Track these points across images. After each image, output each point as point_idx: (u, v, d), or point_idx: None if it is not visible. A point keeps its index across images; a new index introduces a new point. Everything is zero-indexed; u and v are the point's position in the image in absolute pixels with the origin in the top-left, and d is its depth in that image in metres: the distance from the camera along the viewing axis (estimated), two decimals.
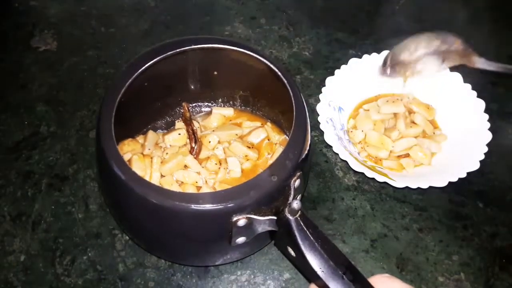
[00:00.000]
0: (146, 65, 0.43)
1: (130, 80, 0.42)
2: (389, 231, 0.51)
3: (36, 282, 0.46)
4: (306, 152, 0.41)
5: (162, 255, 0.47)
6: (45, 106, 0.59)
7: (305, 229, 0.36)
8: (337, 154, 0.52)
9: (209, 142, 0.51)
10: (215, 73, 0.51)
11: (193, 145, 0.50)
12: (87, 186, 0.53)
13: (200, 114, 0.56)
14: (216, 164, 0.49)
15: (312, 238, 0.36)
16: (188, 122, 0.51)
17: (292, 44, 0.68)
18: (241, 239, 0.39)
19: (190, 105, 0.55)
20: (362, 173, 0.50)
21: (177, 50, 0.44)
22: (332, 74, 0.58)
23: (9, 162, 0.54)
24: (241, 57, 0.45)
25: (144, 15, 0.70)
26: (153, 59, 0.43)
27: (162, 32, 0.68)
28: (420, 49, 0.56)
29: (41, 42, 0.65)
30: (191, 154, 0.49)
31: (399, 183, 0.49)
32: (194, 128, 0.51)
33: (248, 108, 0.56)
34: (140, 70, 0.42)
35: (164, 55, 0.43)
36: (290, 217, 0.36)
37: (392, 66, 0.57)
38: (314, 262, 0.35)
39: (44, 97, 0.60)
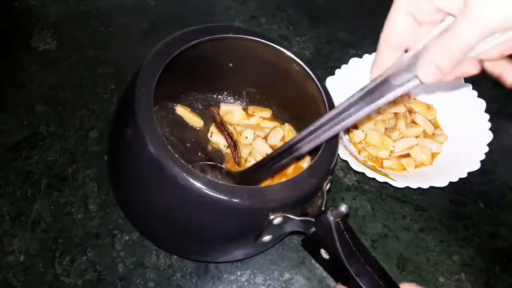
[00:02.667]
0: (184, 47, 0.41)
1: (167, 60, 0.40)
2: (389, 231, 0.51)
3: (36, 282, 0.46)
4: (337, 156, 0.41)
5: (175, 250, 0.47)
6: (44, 106, 0.59)
7: (345, 233, 0.36)
8: (337, 154, 0.51)
9: (246, 137, 0.51)
10: (231, 65, 0.50)
11: (234, 150, 0.50)
12: (87, 186, 0.52)
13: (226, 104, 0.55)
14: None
15: (350, 242, 0.36)
16: (222, 127, 0.51)
17: (292, 43, 0.68)
18: (267, 237, 0.39)
19: (197, 94, 0.54)
20: (363, 173, 0.50)
21: (215, 36, 0.43)
22: (333, 73, 0.58)
23: (9, 162, 0.54)
24: (269, 53, 0.45)
25: (144, 15, 0.70)
26: (189, 43, 0.41)
27: (162, 32, 0.68)
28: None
29: (40, 42, 0.65)
30: (235, 162, 0.50)
31: (399, 183, 0.49)
32: (229, 131, 0.51)
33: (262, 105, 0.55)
34: (178, 51, 0.41)
35: (199, 40, 0.42)
36: (332, 219, 0.36)
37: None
38: (352, 265, 0.35)
39: (44, 97, 0.59)
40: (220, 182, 0.36)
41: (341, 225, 0.37)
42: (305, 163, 0.49)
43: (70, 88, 0.61)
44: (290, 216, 0.37)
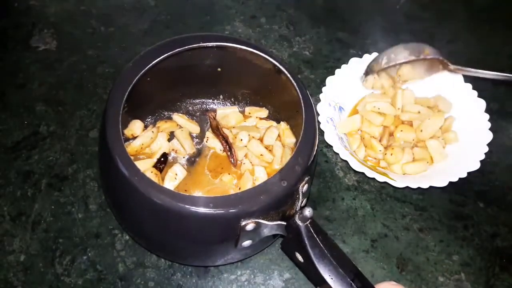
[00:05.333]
0: (153, 62, 0.42)
1: (138, 77, 0.41)
2: (389, 231, 0.51)
3: (36, 282, 0.46)
4: (313, 157, 0.41)
5: (163, 255, 0.47)
6: (44, 106, 0.59)
7: (315, 236, 0.36)
8: (337, 154, 0.51)
9: (241, 140, 0.51)
10: (219, 69, 0.50)
11: (229, 154, 0.50)
12: (87, 186, 0.52)
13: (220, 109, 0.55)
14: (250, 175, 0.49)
15: (321, 245, 0.36)
16: (217, 132, 0.51)
17: (292, 43, 0.68)
18: (247, 242, 0.39)
19: (193, 100, 0.55)
20: (363, 173, 0.50)
21: (186, 47, 0.44)
22: (333, 73, 0.58)
23: (9, 161, 0.54)
24: (250, 57, 0.45)
25: (144, 15, 0.70)
26: (160, 56, 0.43)
27: (162, 31, 0.68)
28: (391, 61, 0.56)
29: (40, 42, 0.65)
30: (232, 164, 0.50)
31: (399, 183, 0.49)
32: (225, 135, 0.51)
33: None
34: (147, 67, 0.42)
35: (172, 52, 0.43)
36: (300, 224, 0.36)
37: (366, 79, 0.58)
38: (323, 269, 0.35)
39: (44, 96, 0.59)
40: (183, 194, 0.37)
41: (311, 228, 0.36)
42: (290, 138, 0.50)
43: (70, 88, 0.61)
44: (262, 221, 0.37)
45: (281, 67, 0.44)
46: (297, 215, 0.37)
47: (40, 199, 0.51)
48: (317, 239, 0.36)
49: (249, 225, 0.36)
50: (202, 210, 0.35)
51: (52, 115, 0.58)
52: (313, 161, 0.41)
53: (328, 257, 0.35)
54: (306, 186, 0.39)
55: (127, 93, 0.40)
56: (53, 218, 0.50)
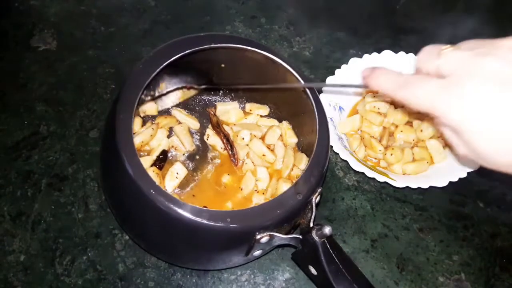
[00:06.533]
0: (167, 62, 0.42)
1: (150, 78, 0.41)
2: (389, 231, 0.51)
3: (36, 282, 0.46)
4: (326, 168, 0.41)
5: (166, 258, 0.47)
6: (44, 106, 0.59)
7: (331, 251, 0.36)
8: (337, 154, 0.51)
9: (243, 139, 0.50)
10: (223, 65, 0.50)
11: (231, 153, 0.50)
12: (87, 186, 0.52)
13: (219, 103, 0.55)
14: (252, 176, 0.49)
15: (337, 260, 0.36)
16: (218, 129, 0.51)
17: (292, 43, 0.68)
18: (258, 252, 0.40)
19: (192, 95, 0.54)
20: (363, 173, 0.50)
21: (197, 48, 0.43)
22: (333, 73, 0.58)
23: (9, 161, 0.54)
24: (255, 56, 0.45)
25: (144, 15, 0.70)
26: (172, 57, 0.42)
27: (162, 31, 0.68)
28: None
29: (40, 42, 0.65)
30: (233, 162, 0.50)
31: (399, 183, 0.49)
32: (226, 133, 0.50)
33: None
34: (160, 67, 0.41)
35: (183, 53, 0.42)
36: (318, 240, 0.37)
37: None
38: (338, 284, 0.36)
39: (44, 96, 0.59)
40: (201, 207, 0.36)
41: (327, 244, 0.37)
42: (302, 164, 0.49)
43: (71, 88, 0.61)
44: (277, 234, 0.37)
45: (287, 66, 0.44)
46: (314, 231, 0.37)
47: (40, 199, 0.51)
48: (333, 254, 0.36)
49: (264, 238, 0.37)
50: (219, 224, 0.35)
51: (52, 115, 0.58)
52: (326, 172, 0.41)
53: (344, 272, 0.36)
54: (318, 198, 0.40)
55: (139, 94, 0.39)
56: (53, 218, 0.50)
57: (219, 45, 0.43)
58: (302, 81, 0.44)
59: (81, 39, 0.66)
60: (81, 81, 0.62)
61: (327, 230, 0.36)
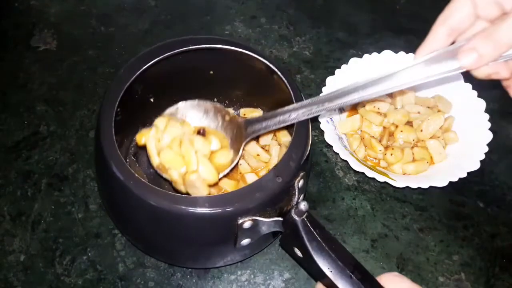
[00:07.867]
0: (145, 66, 0.42)
1: (130, 81, 0.41)
2: (389, 231, 0.51)
3: (36, 282, 0.46)
4: (307, 152, 0.41)
5: (163, 258, 0.47)
6: (45, 106, 0.59)
7: (312, 229, 0.36)
8: (337, 154, 0.51)
9: None
10: (211, 72, 0.50)
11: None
12: (87, 186, 0.52)
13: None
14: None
15: (319, 238, 0.36)
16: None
17: (292, 43, 0.68)
18: (246, 241, 0.39)
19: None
20: (363, 173, 0.50)
21: (177, 50, 0.44)
22: (333, 73, 0.58)
23: (9, 161, 0.54)
24: (241, 57, 0.45)
25: (144, 15, 0.70)
26: (152, 60, 0.43)
27: (162, 31, 0.68)
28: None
29: (41, 42, 0.65)
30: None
31: (399, 183, 0.49)
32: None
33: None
34: (139, 71, 0.42)
35: (164, 55, 0.43)
36: (297, 218, 0.36)
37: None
38: (322, 262, 0.35)
39: (44, 96, 0.60)
40: (179, 195, 0.37)
41: (307, 222, 0.36)
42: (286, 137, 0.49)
43: (71, 88, 0.61)
44: (259, 218, 0.37)
45: (272, 66, 0.44)
46: (293, 210, 0.37)
47: (40, 199, 0.51)
48: (315, 232, 0.36)
49: (246, 223, 0.36)
50: (198, 210, 0.35)
51: (52, 115, 0.58)
52: (308, 156, 0.41)
53: (327, 250, 0.35)
54: (302, 182, 0.39)
55: (119, 98, 0.40)
56: (53, 218, 0.50)
57: (197, 46, 0.44)
58: (284, 79, 0.43)
59: (81, 39, 0.66)
60: (81, 81, 0.62)
61: (302, 206, 0.36)
